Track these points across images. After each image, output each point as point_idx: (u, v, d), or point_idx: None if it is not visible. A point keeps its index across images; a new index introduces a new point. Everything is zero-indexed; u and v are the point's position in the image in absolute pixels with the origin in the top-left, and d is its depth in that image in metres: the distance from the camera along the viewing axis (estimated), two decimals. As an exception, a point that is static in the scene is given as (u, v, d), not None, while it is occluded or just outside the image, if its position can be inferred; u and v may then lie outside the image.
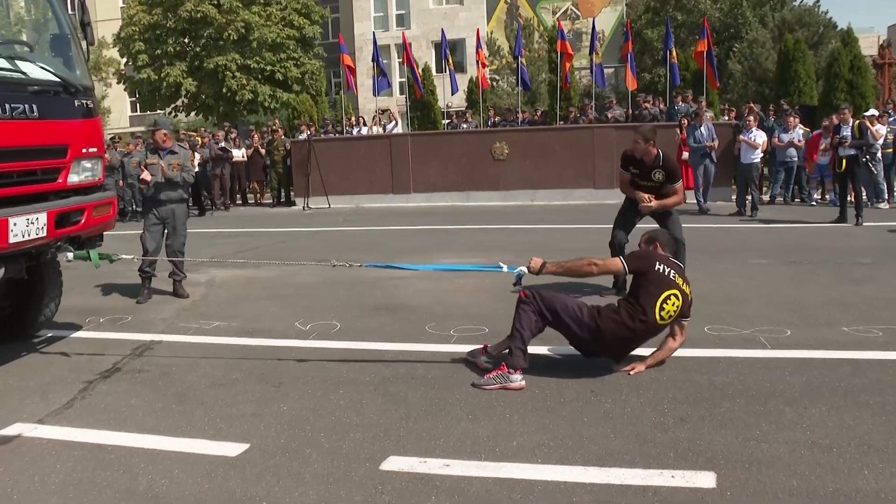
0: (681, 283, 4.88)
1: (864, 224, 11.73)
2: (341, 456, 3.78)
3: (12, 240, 4.97)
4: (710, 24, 19.97)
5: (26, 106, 5.09)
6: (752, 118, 14.73)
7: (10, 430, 4.28)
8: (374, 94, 21.38)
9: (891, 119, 15.26)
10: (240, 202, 19.99)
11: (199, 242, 8.27)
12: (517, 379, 4.70)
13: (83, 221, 5.64)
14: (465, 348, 5.49)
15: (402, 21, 39.71)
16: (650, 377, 4.84)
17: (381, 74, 20.85)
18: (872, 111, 14.85)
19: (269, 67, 28.59)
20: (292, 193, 19.10)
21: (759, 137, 14.31)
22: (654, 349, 5.05)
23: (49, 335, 6.41)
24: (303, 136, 18.87)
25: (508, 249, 9.76)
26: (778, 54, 22.94)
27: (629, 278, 5.19)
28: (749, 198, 13.93)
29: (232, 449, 3.90)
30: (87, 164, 5.78)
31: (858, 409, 4.18)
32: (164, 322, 6.84)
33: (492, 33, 36.58)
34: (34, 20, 5.98)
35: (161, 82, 28.02)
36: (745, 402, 4.33)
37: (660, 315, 4.78)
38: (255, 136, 19.86)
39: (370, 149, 18.48)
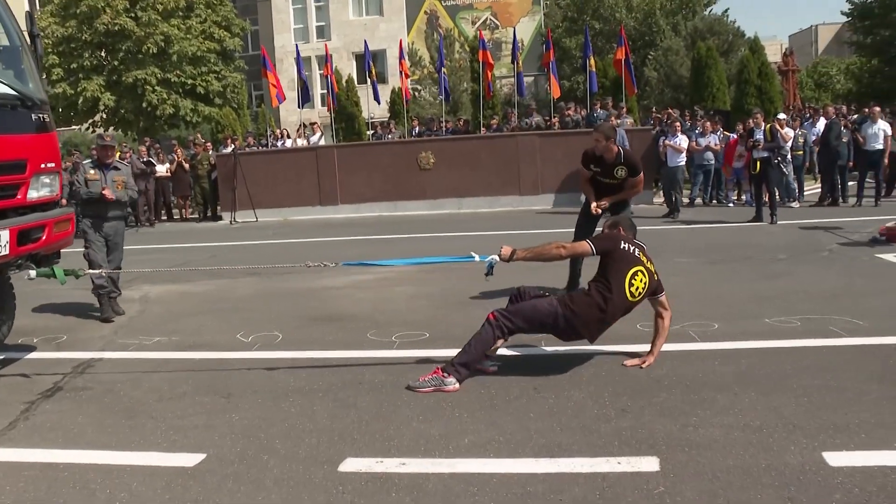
0: (645, 261, 5.10)
1: (778, 222, 12.31)
2: (299, 460, 3.85)
3: None
4: (626, 33, 20.61)
5: None
6: (677, 124, 15.32)
7: (-49, 455, 4.16)
8: (299, 107, 21.35)
9: (806, 122, 16.11)
10: (165, 218, 19.65)
11: (126, 259, 8.16)
12: (451, 382, 4.81)
13: (44, 238, 5.52)
14: (408, 353, 5.65)
15: (323, 33, 39.68)
16: (589, 373, 5.05)
17: (304, 87, 20.86)
18: (782, 115, 15.59)
19: (189, 81, 28.14)
20: (219, 208, 18.89)
21: (684, 142, 14.90)
22: (653, 339, 5.26)
23: (1, 357, 6.22)
24: (228, 150, 18.68)
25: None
26: (691, 61, 23.91)
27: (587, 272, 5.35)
28: (673, 199, 14.41)
29: (188, 459, 3.91)
30: (46, 180, 5.67)
31: (783, 392, 4.47)
32: (102, 339, 6.74)
33: (413, 44, 36.86)
34: None
35: (77, 97, 27.26)
36: (680, 392, 4.58)
37: (629, 292, 4.94)
38: (179, 150, 19.56)
39: (296, 161, 18.44)
